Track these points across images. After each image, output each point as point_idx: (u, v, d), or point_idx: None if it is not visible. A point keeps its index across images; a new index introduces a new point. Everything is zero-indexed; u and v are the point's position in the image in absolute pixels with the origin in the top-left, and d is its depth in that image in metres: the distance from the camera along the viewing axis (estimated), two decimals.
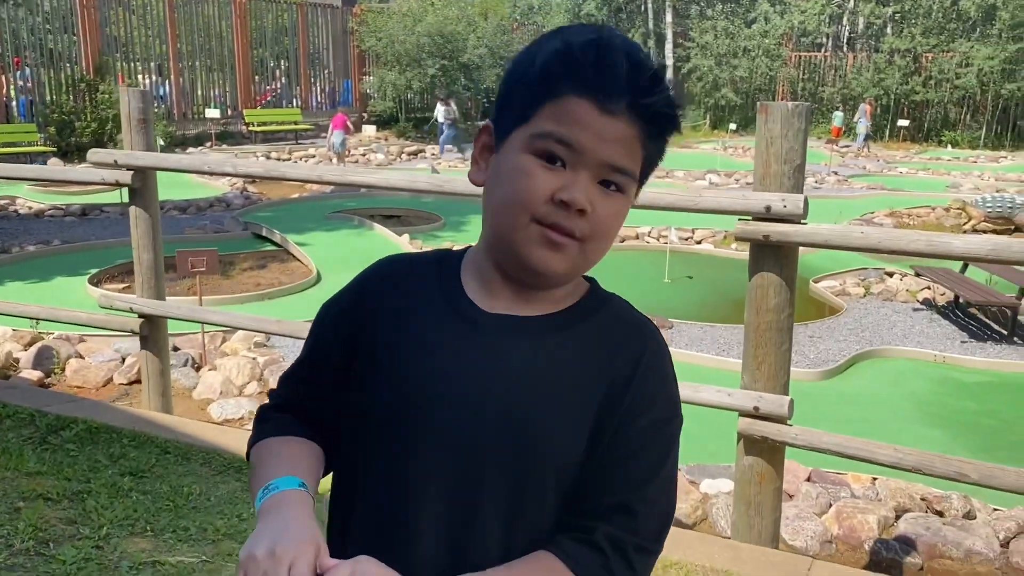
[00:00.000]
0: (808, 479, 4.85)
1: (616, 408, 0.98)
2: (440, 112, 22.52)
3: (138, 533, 3.00)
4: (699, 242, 12.02)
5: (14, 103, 20.00)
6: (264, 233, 11.89)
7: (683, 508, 4.39)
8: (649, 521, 0.98)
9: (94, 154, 4.51)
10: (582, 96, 0.93)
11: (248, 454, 1.10)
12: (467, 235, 12.44)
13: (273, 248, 11.41)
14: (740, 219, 3.06)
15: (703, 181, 17.49)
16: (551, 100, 0.94)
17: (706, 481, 4.73)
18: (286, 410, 1.12)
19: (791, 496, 4.69)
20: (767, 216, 2.95)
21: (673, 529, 3.39)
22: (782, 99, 28.28)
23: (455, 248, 1.13)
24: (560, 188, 0.93)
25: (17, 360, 6.66)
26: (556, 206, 0.94)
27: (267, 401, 1.16)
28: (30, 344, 6.89)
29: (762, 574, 2.94)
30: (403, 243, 11.48)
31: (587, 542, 0.95)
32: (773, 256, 3.02)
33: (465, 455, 0.97)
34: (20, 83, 20.26)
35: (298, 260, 10.80)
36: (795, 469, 4.83)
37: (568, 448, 0.97)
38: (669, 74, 1.05)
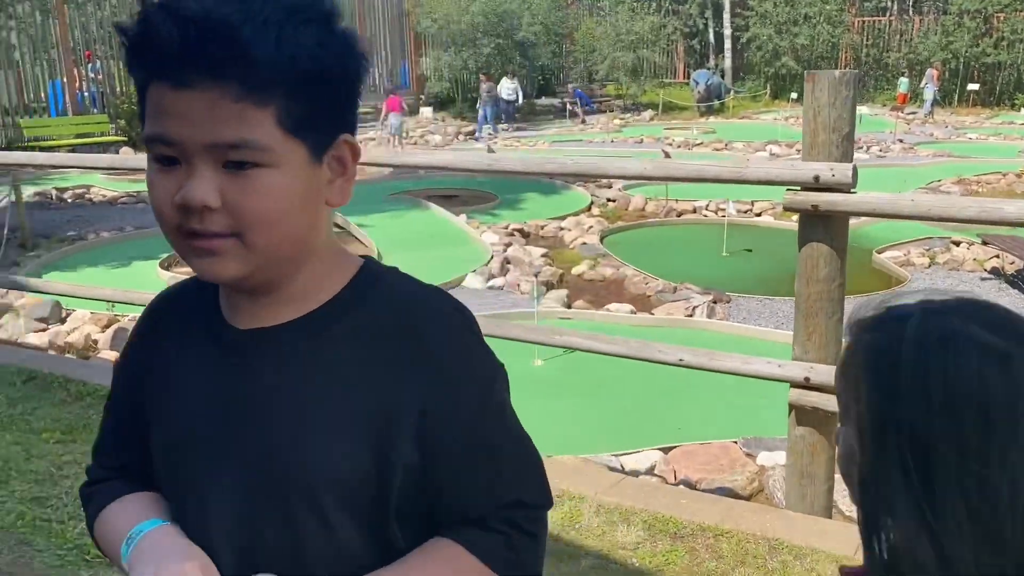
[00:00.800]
0: None
1: (410, 406, 0.87)
2: (494, 88, 22.46)
3: None
4: (758, 214, 11.86)
5: (86, 95, 20.68)
6: (339, 222, 12.13)
7: (739, 480, 4.41)
8: (528, 490, 0.96)
9: None
10: (156, 80, 0.82)
11: (93, 538, 1.02)
12: (522, 212, 12.51)
13: (335, 230, 11.62)
14: (789, 189, 3.06)
15: (763, 152, 17.19)
16: (144, 97, 0.84)
17: (763, 454, 4.73)
18: (108, 480, 1.04)
19: None
20: (815, 186, 2.94)
21: (726, 499, 3.41)
22: (845, 66, 27.51)
23: None
24: (177, 189, 0.83)
25: (96, 341, 6.98)
26: (183, 211, 0.83)
27: (87, 480, 1.07)
28: (107, 326, 7.22)
29: (814, 543, 2.96)
30: (460, 222, 11.60)
31: (483, 528, 0.93)
32: (822, 226, 3.01)
33: (233, 491, 0.90)
34: (91, 76, 20.94)
35: (359, 241, 11.02)
36: None
37: (336, 465, 0.87)
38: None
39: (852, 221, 3.25)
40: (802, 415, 3.21)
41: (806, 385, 3.13)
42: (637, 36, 27.04)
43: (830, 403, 3.13)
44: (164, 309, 1.02)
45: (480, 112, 22.34)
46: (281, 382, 0.89)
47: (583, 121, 24.50)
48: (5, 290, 7.82)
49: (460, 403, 0.89)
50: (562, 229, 11.36)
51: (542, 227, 11.54)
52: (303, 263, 0.90)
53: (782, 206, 3.11)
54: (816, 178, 2.94)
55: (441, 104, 25.94)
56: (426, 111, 25.04)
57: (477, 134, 21.68)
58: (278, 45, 0.80)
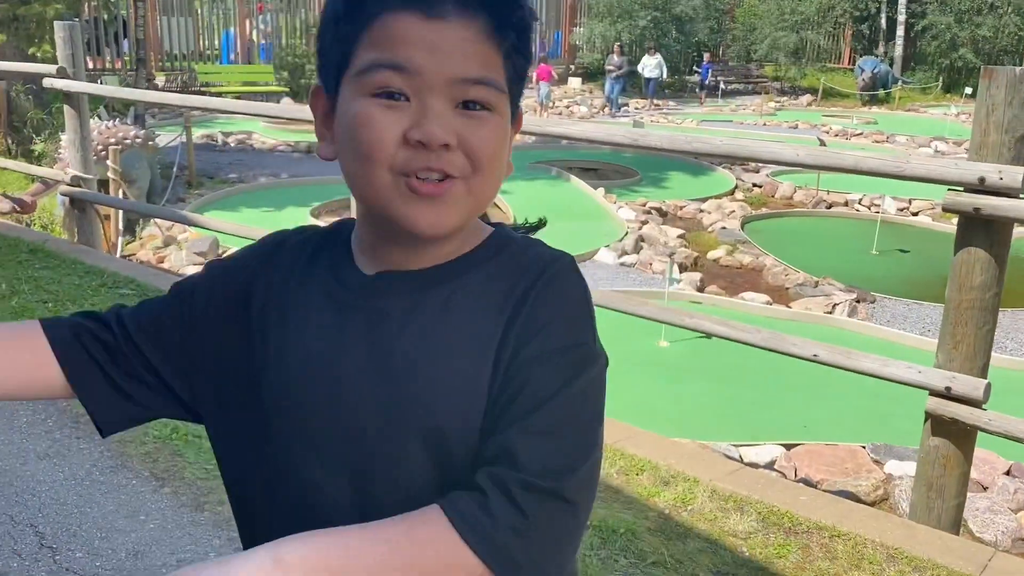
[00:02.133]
0: (1007, 472, 4.56)
1: (506, 348, 0.81)
2: (625, 64, 21.90)
3: None
4: (915, 213, 11.25)
5: (256, 46, 21.80)
6: None
7: (863, 486, 4.28)
8: (540, 457, 0.77)
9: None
10: (399, 9, 0.77)
11: None
12: (663, 191, 12.34)
13: None
14: (950, 189, 2.91)
15: (927, 149, 16.23)
16: (365, 28, 0.79)
17: (892, 462, 4.57)
18: (103, 321, 0.92)
19: (985, 488, 4.43)
20: (980, 188, 2.78)
21: (846, 501, 3.33)
22: None
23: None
24: (411, 126, 0.78)
25: None
26: (413, 149, 0.78)
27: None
28: None
29: (937, 557, 2.85)
30: (597, 196, 11.58)
31: (468, 486, 0.77)
32: (983, 231, 2.86)
33: (346, 434, 0.84)
34: (261, 27, 22.03)
35: (498, 207, 11.19)
36: (993, 460, 4.55)
37: (454, 413, 0.81)
38: None
39: (1017, 229, 3.07)
40: (938, 426, 3.08)
41: (947, 395, 2.99)
42: (802, 16, 25.94)
43: (971, 416, 2.99)
44: (284, 244, 0.94)
45: (607, 87, 21.64)
46: (406, 324, 0.84)
47: (701, 102, 23.53)
48: (171, 223, 8.44)
49: (535, 343, 0.80)
50: (702, 211, 11.16)
51: (681, 207, 11.36)
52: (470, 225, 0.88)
53: (941, 207, 2.96)
54: (981, 180, 2.78)
55: (590, 75, 25.79)
56: (574, 82, 24.96)
57: (611, 109, 21.34)
58: None
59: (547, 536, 0.77)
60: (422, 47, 0.77)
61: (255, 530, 0.91)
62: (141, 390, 0.93)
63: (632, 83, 22.89)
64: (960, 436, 3.06)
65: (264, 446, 0.88)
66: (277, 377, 0.87)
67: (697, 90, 24.16)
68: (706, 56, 23.89)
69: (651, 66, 22.49)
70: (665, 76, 23.45)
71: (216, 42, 21.72)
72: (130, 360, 0.92)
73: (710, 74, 24.53)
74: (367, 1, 0.78)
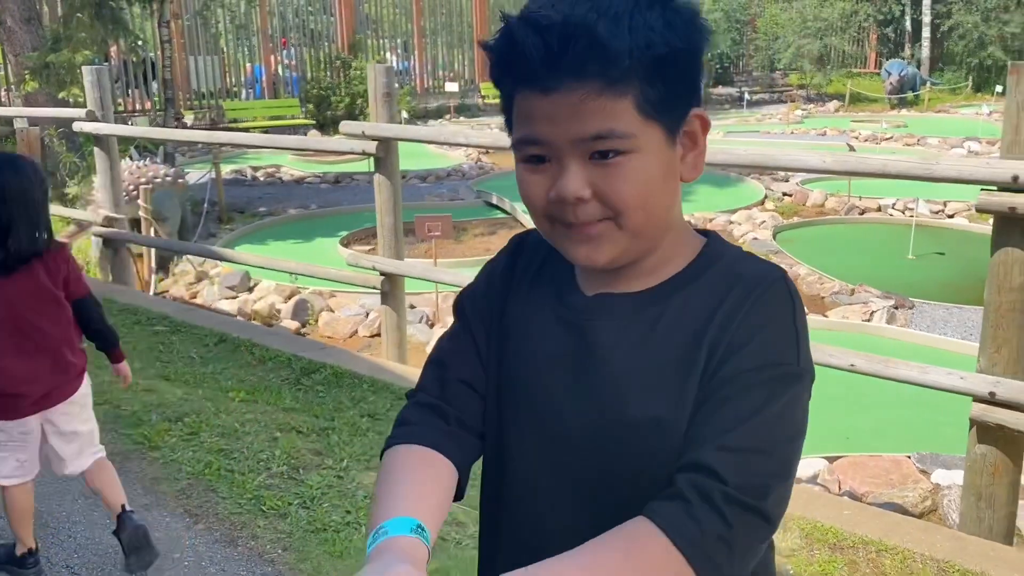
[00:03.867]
0: None
1: (710, 363, 0.88)
2: None
3: (373, 468, 3.33)
4: (951, 216, 11.04)
5: (283, 80, 22.14)
6: (495, 201, 12.39)
7: (910, 497, 4.15)
8: (741, 472, 0.83)
9: (345, 126, 4.96)
10: (523, 88, 0.88)
11: (381, 455, 1.03)
12: (690, 203, 12.24)
13: (503, 216, 11.88)
14: (984, 189, 2.84)
15: (960, 149, 15.95)
16: (511, 104, 0.92)
17: (938, 471, 4.43)
18: (428, 408, 1.02)
19: None
20: (1014, 186, 2.71)
21: (892, 514, 3.24)
22: None
23: None
24: (551, 186, 0.89)
25: (279, 311, 7.50)
26: (557, 205, 0.90)
27: (411, 392, 1.07)
28: (289, 297, 7.73)
29: (990, 569, 2.75)
30: None
31: (670, 496, 0.84)
32: (1020, 230, 2.78)
33: (554, 443, 0.96)
34: (286, 61, 22.38)
35: (524, 227, 11.18)
36: None
37: (660, 427, 0.89)
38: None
39: None
40: (984, 432, 2.98)
41: (991, 400, 2.90)
42: (825, 22, 25.74)
43: (1018, 421, 2.89)
44: (528, 255, 1.05)
45: None
46: (618, 343, 0.93)
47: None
48: (203, 259, 8.53)
49: (739, 356, 0.87)
50: (732, 223, 11.04)
51: (710, 219, 11.25)
52: (662, 238, 0.95)
53: (975, 207, 2.89)
54: (1015, 178, 2.71)
55: None
56: None
57: None
58: (632, 35, 0.84)
59: (745, 547, 0.84)
60: (543, 119, 0.87)
61: (495, 540, 1.04)
62: (473, 419, 1.04)
63: None
64: (1007, 442, 2.96)
65: (498, 450, 1.01)
66: (513, 389, 0.99)
67: None
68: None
69: None
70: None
71: (243, 78, 22.08)
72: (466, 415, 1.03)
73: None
74: (503, 84, 0.92)
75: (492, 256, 1.10)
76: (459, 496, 1.00)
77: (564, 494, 0.96)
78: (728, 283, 0.91)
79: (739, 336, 0.87)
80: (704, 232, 1.00)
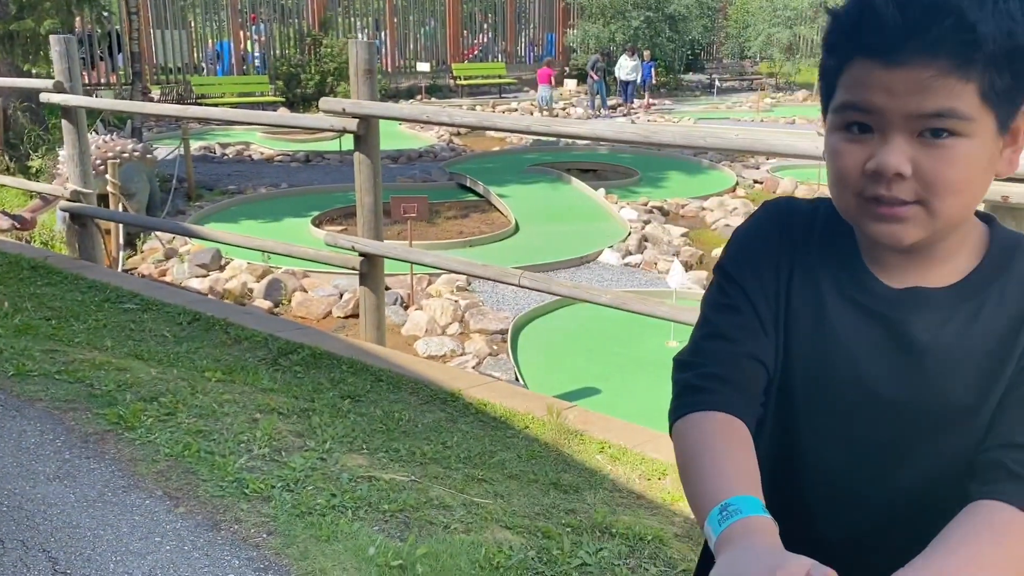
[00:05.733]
0: None
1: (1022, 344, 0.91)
2: (599, 62, 21.62)
3: (355, 450, 3.28)
4: None
5: (253, 57, 21.76)
6: (468, 184, 12.32)
7: None
8: None
9: (325, 102, 4.86)
10: (864, 56, 0.87)
11: (672, 427, 0.97)
12: (663, 190, 12.29)
13: (475, 198, 11.82)
14: None
15: None
16: (842, 71, 0.90)
17: None
18: (717, 378, 0.97)
19: None
20: (1007, 176, 2.72)
21: None
22: None
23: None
24: (868, 157, 0.88)
25: (251, 290, 7.38)
26: (871, 178, 0.88)
27: (688, 365, 1.00)
28: (262, 277, 7.61)
29: None
30: (598, 197, 11.53)
31: (1004, 478, 0.86)
32: (1012, 220, 2.79)
33: (881, 432, 0.96)
34: (255, 38, 22.00)
35: (498, 211, 11.13)
36: None
37: (976, 412, 0.92)
38: None
39: None
40: None
41: None
42: (795, 12, 25.91)
43: None
44: (799, 228, 1.01)
45: (591, 87, 21.44)
46: (938, 342, 0.93)
47: (646, 105, 22.00)
48: (172, 236, 8.37)
49: None
50: (704, 209, 11.10)
51: (683, 206, 11.30)
52: (960, 227, 0.93)
53: None
54: None
55: (586, 77, 25.77)
56: (570, 83, 24.93)
57: (602, 109, 21.12)
58: (995, 20, 0.83)
59: None
60: (880, 90, 0.86)
61: (784, 505, 0.98)
62: (759, 391, 1.00)
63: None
64: None
65: (787, 426, 1.01)
66: (807, 370, 0.98)
67: (642, 90, 22.66)
68: (646, 54, 23.00)
69: (627, 68, 21.79)
70: (649, 79, 22.83)
71: (205, 53, 21.66)
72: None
73: (653, 72, 23.55)
74: (840, 50, 0.90)
75: (744, 223, 1.05)
76: None
77: (862, 482, 0.97)
78: None
79: None
80: (983, 216, 0.98)
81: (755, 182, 12.65)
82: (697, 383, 0.97)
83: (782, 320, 1.00)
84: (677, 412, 0.96)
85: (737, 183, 12.57)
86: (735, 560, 0.76)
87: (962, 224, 0.93)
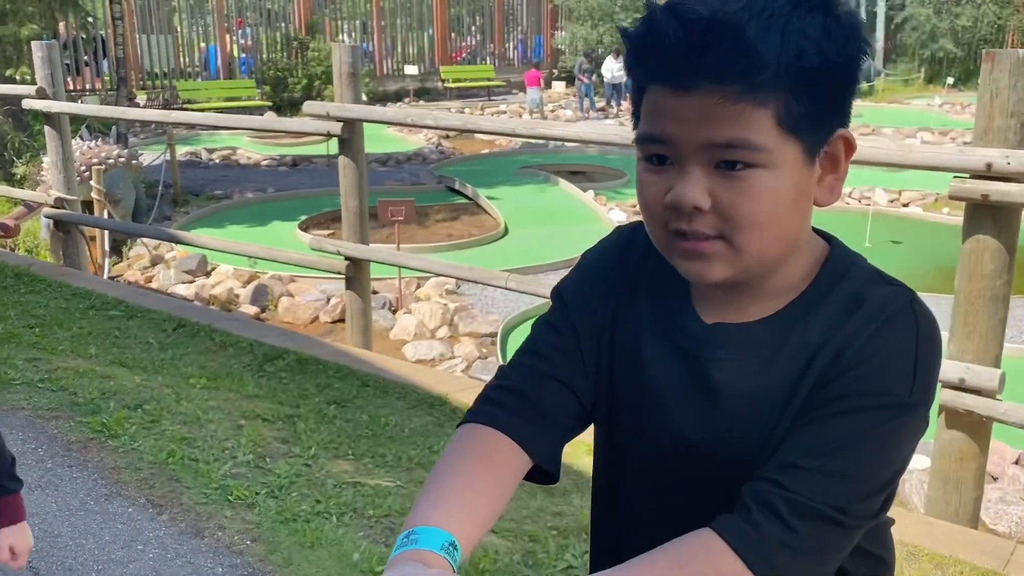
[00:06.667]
0: (1016, 462, 4.51)
1: (818, 384, 0.84)
2: (584, 63, 21.53)
3: (341, 456, 3.26)
4: (906, 205, 11.25)
5: (245, 60, 21.69)
6: (457, 187, 12.30)
7: None
8: (809, 486, 0.80)
9: (309, 106, 4.84)
10: (655, 83, 0.81)
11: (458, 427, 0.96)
12: None
13: (464, 201, 11.80)
14: (956, 177, 2.85)
15: (914, 140, 16.24)
16: (641, 97, 0.85)
17: None
18: (514, 392, 0.95)
19: (995, 478, 4.38)
20: (987, 174, 2.73)
21: None
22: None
23: None
24: (668, 189, 0.82)
25: (237, 296, 7.35)
26: (672, 212, 0.83)
27: (501, 371, 1.00)
28: (248, 282, 7.58)
29: (959, 553, 2.78)
30: (587, 199, 11.53)
31: (737, 507, 0.82)
32: (991, 218, 2.80)
33: (662, 476, 0.94)
34: (242, 42, 21.93)
35: (487, 213, 11.11)
36: (1002, 450, 4.50)
37: (760, 448, 0.88)
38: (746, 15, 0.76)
39: None
40: (953, 418, 3.02)
41: (960, 387, 2.93)
42: None
43: (987, 407, 2.92)
44: (636, 258, 0.98)
45: (580, 89, 21.37)
46: (737, 382, 0.88)
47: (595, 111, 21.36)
48: (158, 242, 8.33)
49: (841, 382, 0.82)
50: None
51: None
52: (786, 262, 0.87)
53: (948, 194, 2.91)
54: (988, 166, 2.73)
55: (574, 79, 25.79)
56: (558, 86, 24.94)
57: (584, 110, 21.10)
58: (783, 41, 0.77)
59: (816, 552, 0.81)
60: (671, 118, 0.81)
61: (605, 531, 1.02)
62: (561, 414, 0.96)
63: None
64: (975, 428, 3.00)
65: (609, 454, 0.99)
66: (626, 398, 0.95)
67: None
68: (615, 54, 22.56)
69: (614, 70, 21.47)
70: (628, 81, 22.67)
71: (197, 59, 21.58)
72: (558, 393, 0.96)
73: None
74: (635, 74, 0.85)
75: (592, 247, 1.02)
76: (553, 480, 0.96)
77: (660, 511, 0.94)
78: (850, 307, 0.85)
79: (849, 361, 0.82)
80: (826, 236, 0.92)
81: None
82: (490, 395, 0.96)
83: (605, 357, 0.96)
84: (463, 420, 0.95)
85: None
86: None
87: (779, 259, 0.86)
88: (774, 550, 0.79)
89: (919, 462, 4.29)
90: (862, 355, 0.82)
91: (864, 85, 24.71)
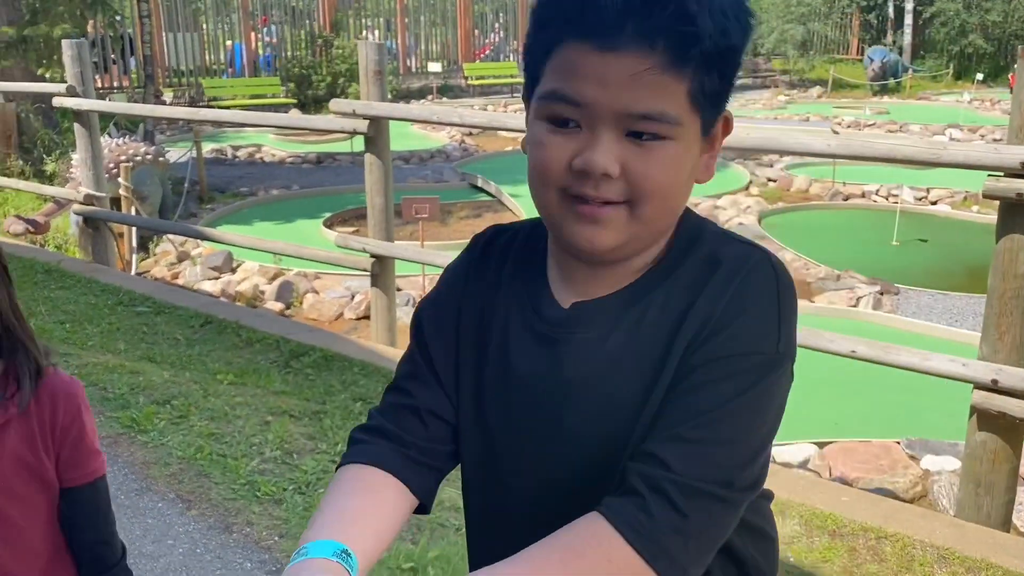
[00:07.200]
0: None
1: (688, 351, 0.84)
2: None
3: None
4: (934, 203, 11.10)
5: (269, 58, 21.83)
6: (480, 184, 12.31)
7: (900, 483, 4.17)
8: (695, 462, 0.80)
9: (336, 104, 4.86)
10: (576, 39, 0.79)
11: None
12: None
13: (488, 199, 11.80)
14: (990, 175, 2.81)
15: (942, 137, 16.04)
16: (551, 53, 0.82)
17: (928, 457, 4.45)
18: (382, 433, 0.96)
19: None
20: (1022, 172, 2.68)
21: (892, 502, 3.23)
22: None
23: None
24: (575, 154, 0.81)
25: (263, 292, 7.40)
26: (578, 174, 0.82)
27: (371, 411, 1.01)
28: (274, 278, 7.63)
29: (991, 556, 2.75)
30: None
31: (622, 491, 0.81)
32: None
33: (539, 463, 0.93)
34: (267, 39, 22.06)
35: (510, 211, 11.11)
36: None
37: (629, 423, 0.88)
38: None
39: None
40: (985, 420, 2.98)
41: (993, 388, 2.89)
42: (808, 8, 25.78)
43: (1020, 409, 2.88)
44: (495, 258, 0.99)
45: None
46: (598, 355, 0.88)
47: None
48: (185, 239, 8.40)
49: (710, 345, 0.82)
50: (717, 208, 11.04)
51: (695, 204, 11.24)
52: (661, 238, 0.89)
53: (981, 193, 2.87)
54: (1023, 164, 2.69)
55: None
56: None
57: None
58: (712, 16, 0.78)
59: (703, 533, 0.80)
60: (592, 79, 0.79)
61: (474, 535, 1.02)
62: (432, 442, 0.98)
63: None
64: (1008, 430, 2.96)
65: (483, 456, 0.97)
66: (496, 399, 0.94)
67: None
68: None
69: None
70: None
71: (222, 56, 21.73)
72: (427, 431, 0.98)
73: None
74: (549, 28, 0.82)
75: (454, 259, 1.04)
76: (425, 511, 0.98)
77: (545, 501, 0.93)
78: (708, 269, 0.86)
79: (717, 324, 0.83)
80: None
81: (769, 180, 12.56)
82: (359, 436, 0.97)
83: (470, 356, 0.96)
84: (339, 464, 0.97)
85: (750, 181, 12.49)
86: None
87: (662, 233, 0.87)
88: (667, 537, 0.78)
89: (948, 463, 4.24)
90: (728, 316, 0.82)
91: (891, 81, 24.48)
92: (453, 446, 0.99)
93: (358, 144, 4.86)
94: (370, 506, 0.90)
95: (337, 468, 0.96)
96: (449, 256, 5.86)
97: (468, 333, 0.97)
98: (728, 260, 0.86)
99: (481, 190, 12.17)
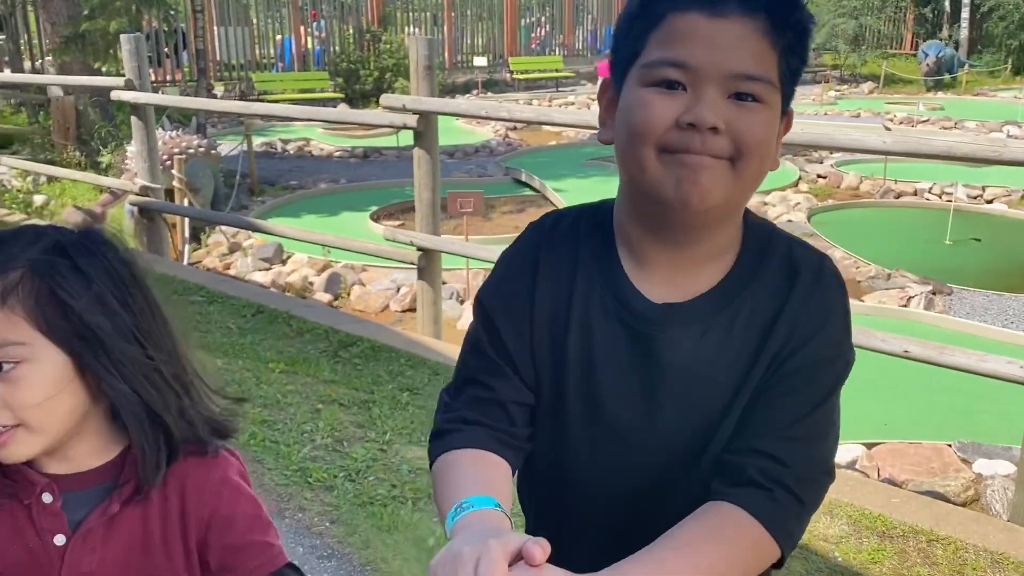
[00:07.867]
0: None
1: (782, 352, 0.93)
2: None
3: (415, 442, 3.32)
4: (989, 201, 10.84)
5: (311, 54, 22.08)
6: (523, 178, 12.32)
7: (952, 486, 4.09)
8: (803, 459, 0.92)
9: (386, 99, 4.92)
10: (685, 9, 0.86)
11: (431, 466, 0.99)
12: None
13: (531, 193, 11.81)
14: None
15: (999, 134, 15.63)
16: (655, 27, 0.88)
17: (980, 461, 4.37)
18: (468, 423, 0.99)
19: None
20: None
21: (944, 505, 3.19)
22: None
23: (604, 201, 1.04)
24: (684, 111, 0.86)
25: (312, 283, 7.51)
26: (683, 131, 0.86)
27: (446, 407, 1.04)
28: (322, 270, 7.74)
29: None
30: None
31: (745, 482, 0.90)
32: None
33: (618, 445, 0.98)
34: (316, 34, 22.30)
35: (553, 205, 11.11)
36: None
37: (724, 421, 0.97)
38: None
39: None
40: None
41: None
42: (861, 2, 25.29)
43: None
44: (562, 234, 1.01)
45: None
46: (692, 357, 0.94)
47: None
48: (236, 230, 8.56)
49: (802, 353, 0.92)
50: (765, 204, 10.91)
51: None
52: (734, 218, 0.96)
53: None
54: None
55: None
56: None
57: None
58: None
59: (813, 511, 0.95)
60: (703, 43, 0.85)
61: (545, 520, 1.06)
62: (519, 428, 1.01)
63: None
64: None
65: (554, 440, 1.00)
66: (579, 387, 0.97)
67: None
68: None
69: None
70: None
71: (272, 51, 22.03)
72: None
73: None
74: (657, 4, 0.88)
75: (509, 246, 1.05)
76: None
77: (618, 488, 0.99)
78: (789, 275, 0.94)
79: (807, 329, 0.92)
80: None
81: (819, 176, 12.38)
82: (448, 427, 0.99)
83: (545, 343, 0.98)
84: (432, 455, 0.99)
85: (800, 177, 12.32)
86: (459, 540, 0.77)
87: (742, 204, 0.94)
88: (791, 521, 0.91)
89: (1002, 467, 4.15)
90: (813, 327, 0.93)
91: (946, 77, 23.91)
92: (535, 427, 1.02)
93: (404, 139, 4.91)
94: (493, 475, 0.94)
95: (431, 457, 0.99)
96: (494, 250, 5.89)
97: (542, 317, 0.99)
98: (805, 269, 0.95)
99: (525, 184, 12.19)
